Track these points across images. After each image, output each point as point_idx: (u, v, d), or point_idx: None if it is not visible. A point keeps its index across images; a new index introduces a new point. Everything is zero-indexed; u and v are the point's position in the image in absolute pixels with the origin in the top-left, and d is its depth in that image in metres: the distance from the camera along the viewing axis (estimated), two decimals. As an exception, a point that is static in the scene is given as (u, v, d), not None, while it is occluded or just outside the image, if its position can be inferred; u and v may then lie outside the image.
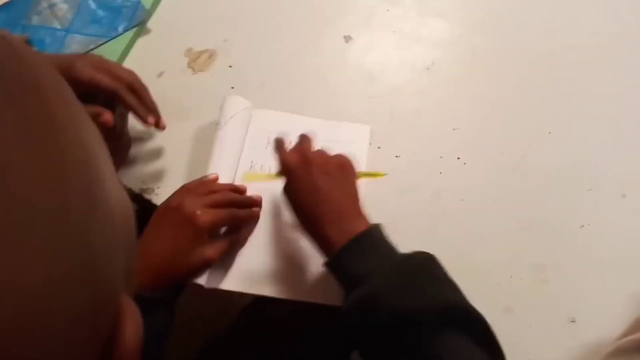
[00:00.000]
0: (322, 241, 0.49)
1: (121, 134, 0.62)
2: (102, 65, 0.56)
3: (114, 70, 0.56)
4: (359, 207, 0.51)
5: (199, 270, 0.51)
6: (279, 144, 0.56)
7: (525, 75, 0.72)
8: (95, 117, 0.54)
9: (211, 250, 0.51)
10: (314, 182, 0.50)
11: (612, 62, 0.73)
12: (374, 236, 0.48)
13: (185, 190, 0.57)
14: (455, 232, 0.60)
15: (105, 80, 0.54)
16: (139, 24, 0.76)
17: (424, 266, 0.45)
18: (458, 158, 0.65)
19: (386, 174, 0.58)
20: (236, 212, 0.55)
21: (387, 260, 0.46)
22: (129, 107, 0.57)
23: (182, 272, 0.50)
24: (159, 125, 0.60)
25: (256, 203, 0.59)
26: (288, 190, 0.52)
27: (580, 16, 0.77)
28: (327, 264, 0.49)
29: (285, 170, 0.53)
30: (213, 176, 0.60)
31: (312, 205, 0.49)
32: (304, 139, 0.56)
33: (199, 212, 0.51)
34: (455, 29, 0.76)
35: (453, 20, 0.77)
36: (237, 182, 0.62)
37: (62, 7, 0.77)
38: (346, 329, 0.48)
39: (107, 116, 0.54)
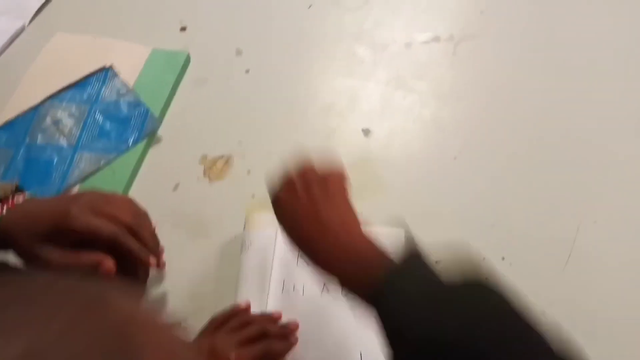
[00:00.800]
0: (331, 276, 0.44)
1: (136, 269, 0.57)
2: (101, 207, 0.53)
3: (115, 212, 0.53)
4: (359, 230, 0.46)
5: None
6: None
7: (559, 157, 0.69)
8: (96, 267, 0.51)
9: None
10: (299, 207, 0.47)
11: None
12: (411, 270, 0.41)
13: (214, 326, 0.52)
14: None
15: (102, 228, 0.51)
16: (150, 134, 0.73)
17: (482, 300, 0.39)
18: (503, 258, 0.61)
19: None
20: (272, 347, 0.51)
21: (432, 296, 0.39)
22: (129, 252, 0.53)
23: None
24: (158, 265, 0.56)
25: (292, 331, 0.55)
26: (279, 218, 0.49)
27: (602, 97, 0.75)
28: (366, 297, 0.42)
29: (271, 196, 0.50)
30: (244, 305, 0.55)
31: (307, 232, 0.46)
32: (290, 177, 0.52)
33: (232, 357, 0.46)
34: (477, 113, 0.74)
35: (473, 104, 0.75)
36: (270, 305, 0.57)
37: (68, 123, 0.74)
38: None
39: (108, 265, 0.51)
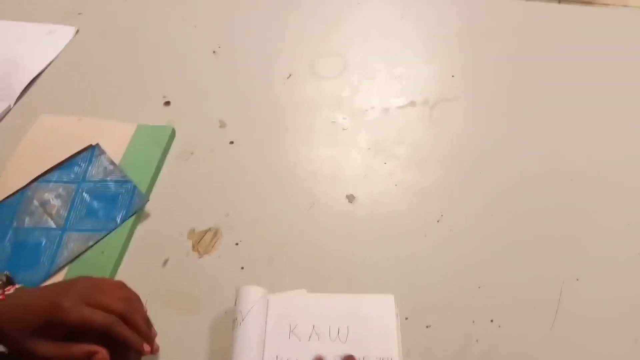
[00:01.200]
0: None
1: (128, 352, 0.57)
2: (92, 297, 0.53)
3: (106, 301, 0.54)
4: None
5: None
6: None
7: (545, 214, 0.71)
8: (88, 357, 0.51)
9: None
10: None
11: None
12: None
13: None
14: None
15: (96, 319, 0.52)
16: (137, 211, 0.74)
17: None
18: (492, 321, 0.62)
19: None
20: None
21: None
22: (124, 341, 0.54)
23: None
24: (152, 352, 0.57)
25: None
26: None
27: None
28: None
29: None
30: None
31: None
32: None
33: None
34: (456, 174, 0.77)
35: (451, 165, 0.78)
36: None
37: (55, 204, 0.75)
38: None
39: (102, 355, 0.52)
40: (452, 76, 0.91)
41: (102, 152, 0.81)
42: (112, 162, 0.79)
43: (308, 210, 0.75)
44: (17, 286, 0.57)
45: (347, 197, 0.76)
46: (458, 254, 0.68)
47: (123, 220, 0.73)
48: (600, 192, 0.74)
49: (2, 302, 0.54)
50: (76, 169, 0.79)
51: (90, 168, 0.79)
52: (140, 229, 0.74)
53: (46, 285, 0.58)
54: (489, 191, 0.75)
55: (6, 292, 0.55)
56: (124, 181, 0.77)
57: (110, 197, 0.76)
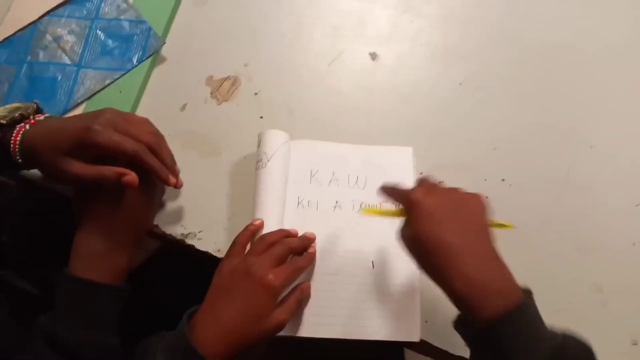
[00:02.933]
0: (458, 291, 0.43)
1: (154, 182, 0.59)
2: (121, 125, 0.53)
3: (134, 131, 0.54)
4: (501, 262, 0.45)
5: (273, 334, 0.50)
6: (391, 189, 0.51)
7: (563, 86, 0.70)
8: (119, 178, 0.52)
9: (284, 313, 0.50)
10: (446, 222, 0.45)
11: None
12: (529, 311, 0.43)
13: (239, 246, 0.55)
14: (507, 258, 0.60)
15: (126, 144, 0.52)
16: (154, 53, 0.72)
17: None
18: (503, 180, 0.64)
19: (515, 227, 0.52)
20: (299, 264, 0.54)
21: (541, 344, 0.41)
22: (151, 170, 0.55)
23: (256, 339, 0.49)
24: (177, 185, 0.58)
25: (312, 242, 0.58)
26: (411, 225, 0.46)
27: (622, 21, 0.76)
28: (468, 328, 0.45)
29: (410, 204, 0.47)
30: (258, 223, 0.58)
31: (442, 249, 0.44)
32: (426, 180, 0.51)
33: (270, 277, 0.49)
34: (485, 39, 0.74)
35: (482, 29, 0.75)
36: (287, 219, 0.60)
37: (69, 40, 0.73)
38: None
39: (131, 177, 0.53)
40: None
41: (115, -11, 0.76)
42: (125, 1, 0.76)
43: (329, 65, 0.73)
44: (45, 115, 0.57)
45: (370, 54, 0.74)
46: (477, 116, 0.69)
47: (139, 61, 0.72)
48: (623, 67, 0.73)
49: (33, 126, 0.54)
50: (88, 4, 0.75)
51: (102, 5, 0.75)
52: (158, 72, 0.73)
53: (74, 115, 0.58)
54: (515, 58, 0.73)
55: (37, 118, 0.55)
56: (138, 21, 0.74)
57: (125, 36, 0.73)
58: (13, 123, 0.55)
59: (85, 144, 0.51)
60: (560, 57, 0.73)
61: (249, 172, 0.64)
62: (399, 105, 0.70)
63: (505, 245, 0.60)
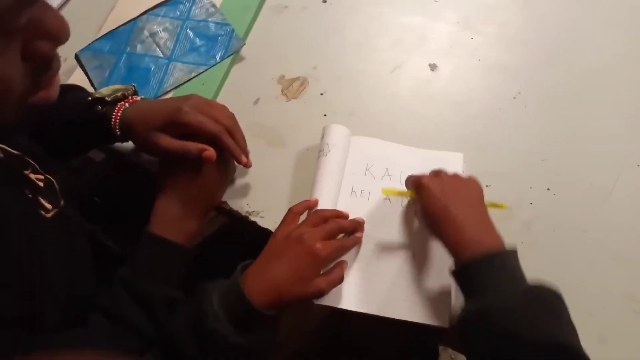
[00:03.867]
0: (453, 245, 0.54)
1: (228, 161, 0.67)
2: (205, 109, 0.62)
3: (215, 115, 0.62)
4: (493, 226, 0.56)
5: (312, 298, 0.56)
6: (410, 176, 0.63)
7: (613, 105, 0.73)
8: (200, 153, 0.60)
9: (324, 282, 0.56)
10: (449, 194, 0.57)
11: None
12: (507, 257, 0.52)
13: (293, 215, 0.61)
14: (547, 262, 0.63)
15: (208, 125, 0.61)
16: (234, 53, 0.81)
17: (546, 300, 0.49)
18: (548, 189, 0.68)
19: (509, 207, 0.64)
20: (346, 243, 0.60)
21: (512, 284, 0.50)
22: (227, 149, 0.63)
23: (298, 298, 0.55)
24: (247, 164, 0.65)
25: (361, 227, 0.64)
26: (421, 202, 0.59)
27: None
28: (456, 271, 0.54)
29: (420, 185, 0.59)
30: (314, 200, 0.64)
31: (446, 211, 0.55)
32: (436, 170, 0.62)
33: (319, 246, 0.55)
34: (538, 59, 0.78)
35: (536, 49, 0.79)
36: (340, 204, 0.66)
37: (163, 36, 0.83)
38: (460, 336, 0.53)
39: (211, 153, 0.61)
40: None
41: (205, -6, 0.86)
42: (213, 5, 0.85)
43: (391, 73, 0.79)
44: (141, 97, 0.66)
45: (430, 65, 0.79)
46: (528, 129, 0.73)
47: (222, 59, 0.81)
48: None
49: (132, 105, 0.63)
50: (181, 6, 0.85)
51: (193, 8, 0.85)
52: (236, 69, 0.82)
53: (165, 98, 0.67)
54: (565, 78, 0.76)
55: (135, 99, 0.65)
56: (223, 24, 0.83)
57: (211, 36, 0.82)
58: (115, 101, 0.64)
59: (175, 122, 0.59)
60: (609, 77, 0.76)
61: (309, 162, 0.71)
62: (453, 114, 0.75)
63: (543, 248, 0.64)
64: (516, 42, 0.80)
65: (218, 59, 0.80)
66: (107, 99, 0.64)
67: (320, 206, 0.64)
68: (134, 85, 0.67)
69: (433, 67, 0.79)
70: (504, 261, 0.52)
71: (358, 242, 0.63)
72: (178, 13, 0.85)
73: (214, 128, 0.61)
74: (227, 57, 0.81)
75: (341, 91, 0.79)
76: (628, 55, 0.77)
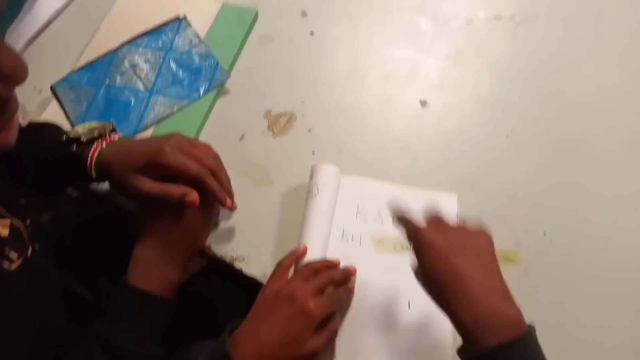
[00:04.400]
0: (464, 323, 0.45)
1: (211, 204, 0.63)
2: (188, 149, 0.59)
3: (199, 155, 0.59)
4: (508, 296, 0.46)
5: None
6: (402, 218, 0.53)
7: (610, 142, 0.72)
8: (182, 197, 0.57)
9: (319, 342, 0.53)
10: (453, 259, 0.47)
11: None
12: (530, 340, 0.44)
13: (282, 269, 0.58)
14: (546, 310, 0.61)
15: (191, 167, 0.58)
16: (219, 86, 0.78)
17: None
18: (544, 234, 0.65)
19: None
20: (340, 297, 0.57)
21: None
22: (211, 192, 0.60)
23: None
24: (232, 207, 0.62)
25: (352, 276, 0.61)
26: (421, 262, 0.49)
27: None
28: (469, 356, 0.46)
29: (419, 243, 0.49)
30: (302, 248, 0.61)
31: (455, 279, 0.46)
32: (435, 216, 0.53)
33: (311, 305, 0.52)
34: (532, 94, 0.77)
35: (529, 84, 0.78)
36: (330, 250, 0.63)
37: (144, 68, 0.79)
38: None
39: (193, 197, 0.58)
40: (544, -6, 0.88)
41: (189, 25, 0.83)
42: (197, 36, 0.82)
43: (381, 108, 0.77)
44: (120, 135, 0.63)
45: (420, 101, 0.77)
46: (522, 169, 0.71)
47: (205, 92, 0.77)
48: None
49: (109, 145, 0.60)
50: (164, 37, 0.82)
51: (177, 38, 0.82)
52: (220, 103, 0.79)
53: (145, 137, 0.64)
54: (560, 115, 0.74)
55: (112, 138, 0.61)
56: (207, 55, 0.80)
57: (195, 69, 0.79)
58: (91, 141, 0.61)
59: (156, 164, 0.56)
60: (604, 114, 0.74)
61: (298, 202, 0.68)
62: (445, 152, 0.73)
63: (541, 294, 0.61)
64: (507, 78, 0.79)
65: (202, 92, 0.77)
66: (82, 138, 0.60)
67: (309, 252, 0.60)
68: (112, 122, 0.64)
69: (423, 103, 0.77)
70: (525, 344, 0.44)
71: (350, 293, 0.60)
72: (161, 44, 0.82)
73: (197, 170, 0.57)
74: (212, 90, 0.78)
75: (330, 127, 0.76)
76: (624, 91, 0.76)
